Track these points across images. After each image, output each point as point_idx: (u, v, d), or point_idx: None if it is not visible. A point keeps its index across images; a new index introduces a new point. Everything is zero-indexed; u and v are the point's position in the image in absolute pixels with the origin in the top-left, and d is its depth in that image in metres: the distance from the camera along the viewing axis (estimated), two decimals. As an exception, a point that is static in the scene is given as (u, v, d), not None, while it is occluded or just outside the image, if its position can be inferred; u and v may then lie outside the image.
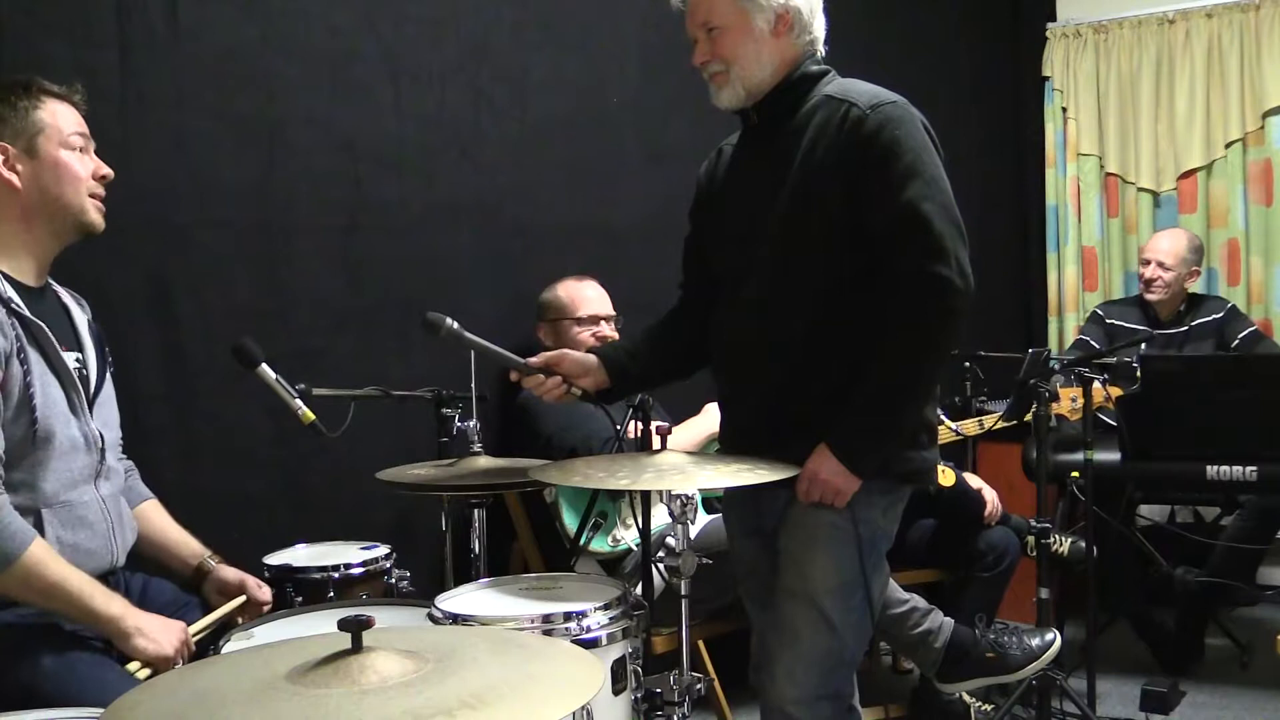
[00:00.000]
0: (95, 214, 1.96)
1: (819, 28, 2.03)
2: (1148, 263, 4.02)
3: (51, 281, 2.01)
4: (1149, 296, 4.02)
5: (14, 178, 1.88)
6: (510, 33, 3.25)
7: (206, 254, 2.66)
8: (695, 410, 3.12)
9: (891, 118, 1.89)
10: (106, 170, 1.98)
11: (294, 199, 2.81)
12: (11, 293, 1.84)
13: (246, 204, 2.73)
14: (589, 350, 2.19)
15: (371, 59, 2.96)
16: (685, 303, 2.25)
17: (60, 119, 1.92)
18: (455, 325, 1.99)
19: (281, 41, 2.79)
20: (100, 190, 1.97)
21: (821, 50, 2.04)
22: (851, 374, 1.91)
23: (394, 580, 2.39)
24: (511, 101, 3.25)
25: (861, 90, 1.95)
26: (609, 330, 3.09)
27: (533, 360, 2.11)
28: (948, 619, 2.88)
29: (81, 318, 2.03)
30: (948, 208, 1.87)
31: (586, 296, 3.12)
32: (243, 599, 2.10)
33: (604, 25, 3.47)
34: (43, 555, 1.76)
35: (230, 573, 2.15)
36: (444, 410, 2.53)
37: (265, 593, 2.15)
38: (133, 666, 1.82)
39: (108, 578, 1.97)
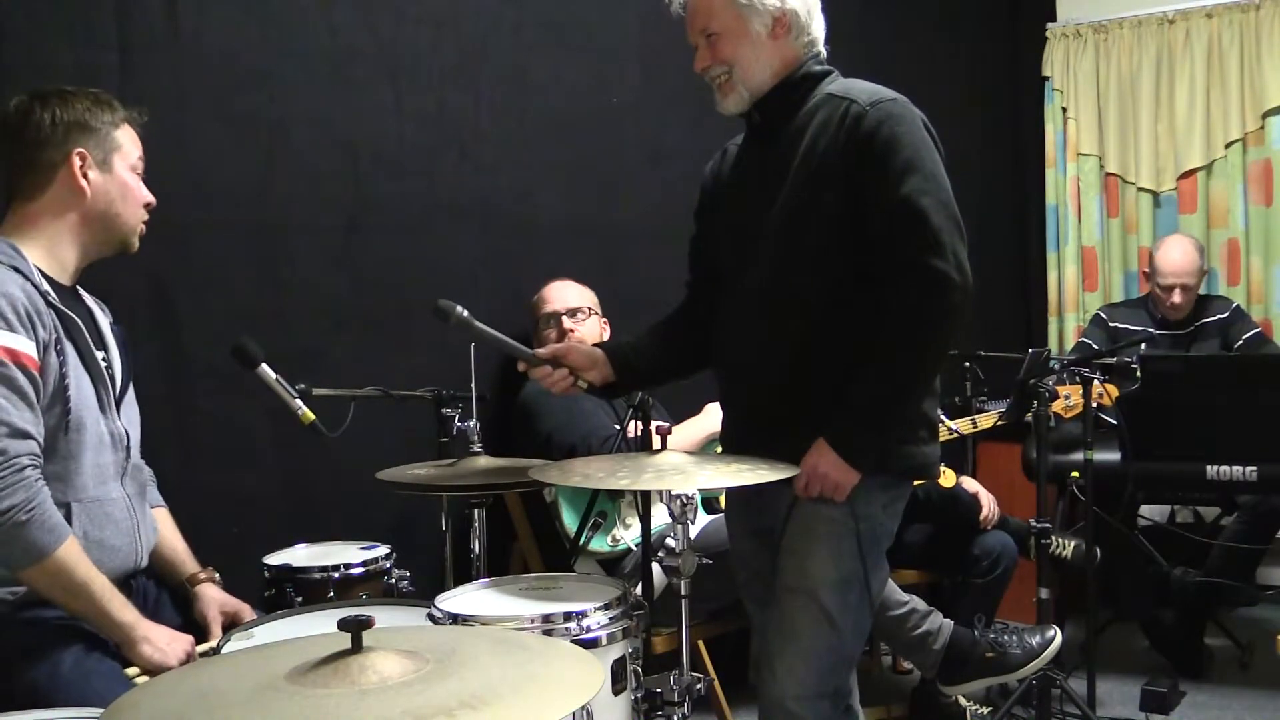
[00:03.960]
0: (137, 237, 2.05)
1: (818, 28, 2.04)
2: (1171, 288, 3.93)
3: (78, 287, 2.04)
4: (1174, 316, 3.99)
5: (85, 185, 1.94)
6: (510, 33, 3.25)
7: (206, 254, 2.66)
8: (695, 410, 3.12)
9: (891, 114, 1.90)
10: (152, 199, 2.06)
11: (294, 199, 2.81)
12: (48, 287, 1.88)
13: (246, 204, 2.74)
14: (596, 344, 2.20)
15: (371, 59, 2.96)
16: (691, 301, 2.26)
17: (132, 142, 2.02)
18: (465, 313, 2.00)
19: (281, 41, 2.80)
20: (146, 216, 2.05)
21: (822, 50, 2.05)
22: (851, 371, 1.91)
23: (394, 580, 2.39)
24: (511, 101, 3.26)
25: (862, 88, 1.96)
26: (572, 323, 3.09)
27: (540, 351, 2.12)
28: (947, 620, 2.88)
29: (104, 321, 2.07)
30: (946, 204, 1.88)
31: (546, 297, 3.15)
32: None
33: (604, 25, 3.47)
34: (75, 554, 1.79)
35: (212, 600, 2.11)
36: (444, 410, 2.53)
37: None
38: (131, 671, 1.83)
39: (130, 581, 1.99)
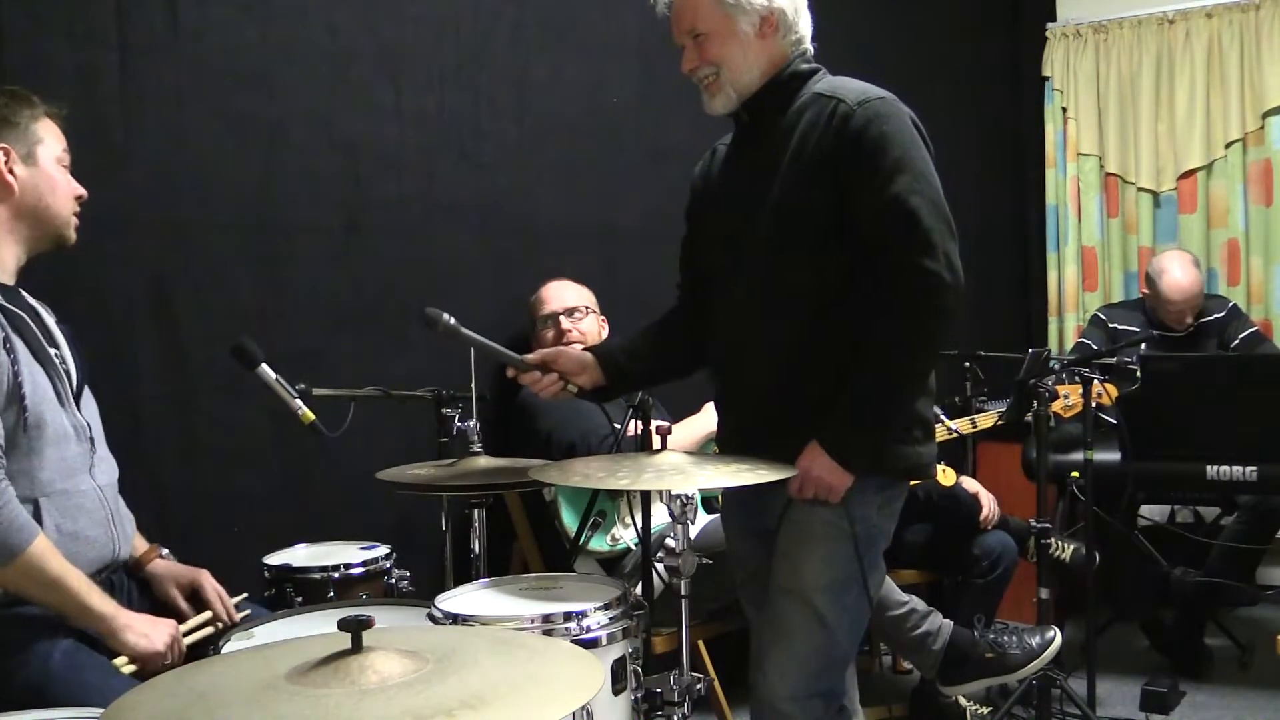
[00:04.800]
0: (72, 229, 2.05)
1: (805, 26, 2.03)
2: (1181, 312, 3.92)
3: (19, 289, 2.04)
4: (1178, 328, 3.98)
5: (12, 180, 1.95)
6: (510, 33, 3.25)
7: (206, 254, 2.66)
8: (695, 409, 3.12)
9: (880, 113, 1.88)
10: (82, 191, 2.06)
11: (294, 199, 2.81)
12: None
13: (246, 204, 2.74)
14: (586, 348, 2.19)
15: (371, 59, 2.96)
16: (682, 303, 2.25)
17: (55, 136, 2.02)
18: (452, 320, 2.00)
19: (281, 41, 2.79)
20: (77, 208, 2.05)
21: (810, 49, 2.05)
22: (844, 372, 1.91)
23: (394, 580, 2.39)
24: (511, 101, 3.25)
25: (850, 87, 1.95)
26: (570, 323, 3.08)
27: (529, 357, 2.11)
28: (946, 620, 2.88)
29: (50, 320, 2.07)
30: (936, 202, 1.87)
31: (543, 297, 3.14)
32: (208, 615, 2.07)
33: (604, 25, 3.47)
34: (45, 550, 1.79)
35: (176, 567, 2.12)
36: (444, 410, 2.53)
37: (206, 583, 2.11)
38: (119, 661, 1.83)
39: (111, 576, 1.99)
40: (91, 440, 1.99)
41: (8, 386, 1.82)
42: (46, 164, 1.99)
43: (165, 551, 2.16)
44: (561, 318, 3.09)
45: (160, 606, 2.05)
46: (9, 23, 2.37)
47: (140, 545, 2.15)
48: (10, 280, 1.98)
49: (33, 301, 2.06)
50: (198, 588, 2.09)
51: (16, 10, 2.38)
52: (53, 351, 1.96)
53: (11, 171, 1.94)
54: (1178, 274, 3.95)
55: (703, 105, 2.05)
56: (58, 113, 2.04)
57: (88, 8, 2.48)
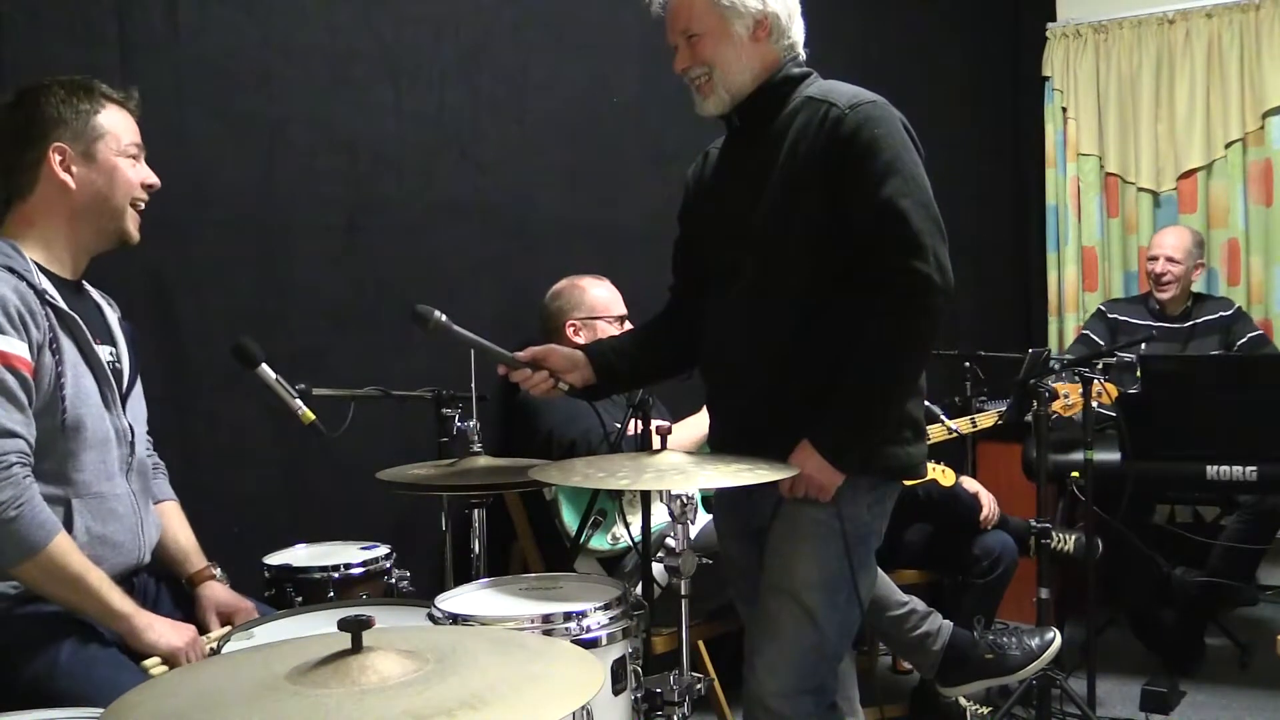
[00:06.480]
0: (132, 225, 2.00)
1: (797, 31, 2.05)
2: (1155, 259, 4.04)
3: (84, 282, 2.03)
4: (1161, 295, 4.04)
5: (69, 179, 1.91)
6: (510, 33, 3.25)
7: (206, 254, 2.66)
8: (695, 409, 3.11)
9: (871, 117, 1.89)
10: (154, 180, 2.01)
11: (294, 199, 2.81)
12: (47, 284, 1.86)
13: (246, 204, 2.74)
14: (577, 346, 2.19)
15: (371, 59, 2.96)
16: (674, 304, 2.26)
17: (119, 127, 1.96)
18: (444, 318, 1.99)
19: (281, 41, 2.79)
20: (145, 197, 2.00)
21: (802, 53, 2.05)
22: (836, 373, 1.91)
23: (394, 580, 2.39)
24: (511, 101, 3.26)
25: (842, 91, 1.96)
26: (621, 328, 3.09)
27: (520, 354, 2.11)
28: (946, 621, 2.88)
29: (113, 315, 2.06)
30: (926, 205, 1.88)
31: (616, 296, 3.14)
32: (229, 629, 2.05)
33: (604, 25, 3.47)
34: (67, 548, 1.78)
35: (222, 594, 2.11)
36: (444, 410, 2.53)
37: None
38: (150, 663, 1.83)
39: (132, 578, 1.98)
40: (131, 444, 1.97)
41: (49, 387, 1.81)
42: (107, 158, 1.92)
43: (219, 573, 2.15)
44: (627, 322, 3.08)
45: (189, 617, 2.04)
46: (9, 22, 2.37)
47: (195, 562, 2.14)
48: (72, 276, 1.96)
49: (96, 296, 2.04)
50: (234, 622, 2.06)
51: (16, 10, 2.38)
52: (106, 350, 1.94)
53: (69, 171, 1.90)
54: (1167, 229, 4.17)
55: (695, 107, 2.05)
56: (124, 100, 1.97)
57: (88, 8, 2.48)
